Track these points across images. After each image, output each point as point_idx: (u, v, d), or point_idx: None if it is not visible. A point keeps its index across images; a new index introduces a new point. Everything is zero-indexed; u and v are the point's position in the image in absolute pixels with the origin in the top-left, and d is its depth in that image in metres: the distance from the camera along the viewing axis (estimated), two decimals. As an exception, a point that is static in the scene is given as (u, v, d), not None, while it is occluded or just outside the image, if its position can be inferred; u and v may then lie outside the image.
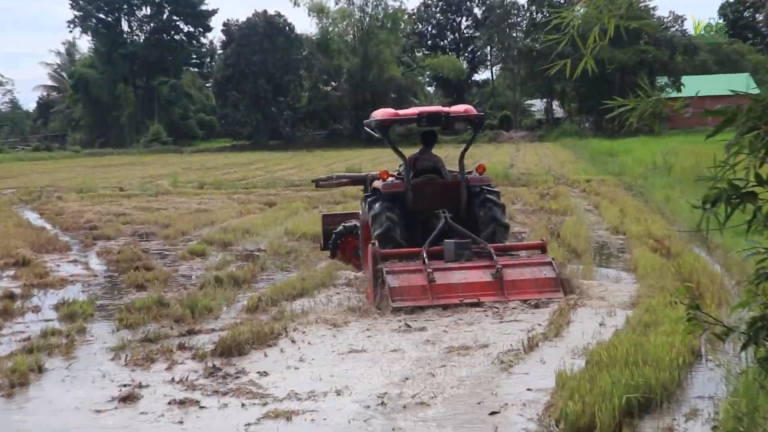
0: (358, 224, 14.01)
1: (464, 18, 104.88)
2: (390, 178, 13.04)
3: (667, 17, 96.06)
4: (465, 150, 13.24)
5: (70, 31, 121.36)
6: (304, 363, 8.77)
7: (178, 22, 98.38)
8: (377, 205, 12.37)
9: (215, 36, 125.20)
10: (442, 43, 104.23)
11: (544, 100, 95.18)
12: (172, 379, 8.20)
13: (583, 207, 22.60)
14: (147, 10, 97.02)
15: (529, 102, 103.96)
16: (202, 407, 7.48)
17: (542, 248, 12.28)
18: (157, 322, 10.47)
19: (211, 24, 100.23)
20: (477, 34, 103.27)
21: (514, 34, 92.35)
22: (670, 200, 20.60)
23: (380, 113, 13.47)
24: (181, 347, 9.28)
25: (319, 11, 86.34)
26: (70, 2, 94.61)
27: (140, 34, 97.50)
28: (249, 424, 7.01)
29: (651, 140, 52.31)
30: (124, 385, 8.05)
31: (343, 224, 14.43)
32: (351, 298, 11.77)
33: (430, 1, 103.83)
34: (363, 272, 12.93)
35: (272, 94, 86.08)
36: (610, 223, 18.58)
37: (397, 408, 7.29)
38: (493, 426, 6.78)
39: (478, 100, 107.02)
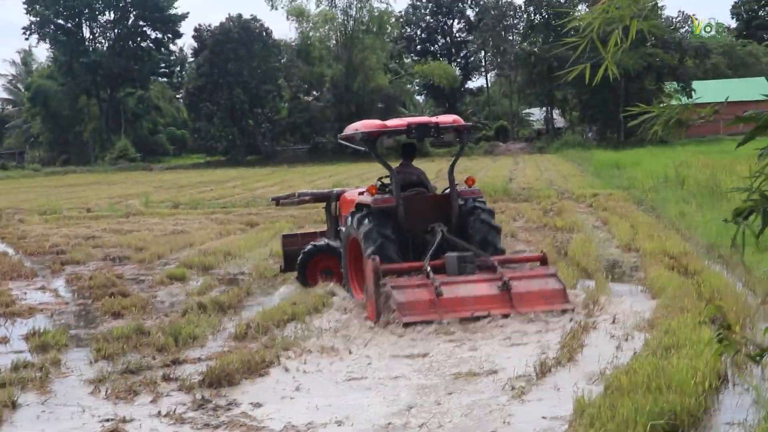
0: (330, 243, 14.59)
1: (456, 21, 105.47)
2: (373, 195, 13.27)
3: (676, 17, 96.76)
4: (454, 162, 13.72)
5: (26, 39, 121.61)
6: (299, 392, 8.87)
7: (144, 28, 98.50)
8: (367, 221, 12.67)
9: (185, 43, 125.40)
10: (432, 48, 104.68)
11: (544, 108, 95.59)
12: (159, 412, 8.28)
13: (590, 223, 22.77)
14: (110, 15, 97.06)
15: (527, 111, 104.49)
16: (192, 442, 7.57)
17: (543, 260, 12.84)
18: (138, 352, 10.53)
19: (181, 30, 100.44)
20: (470, 38, 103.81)
21: (511, 38, 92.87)
22: (685, 215, 20.80)
23: (364, 124, 13.89)
24: (166, 378, 9.34)
25: (298, 15, 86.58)
26: (26, 7, 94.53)
27: (103, 41, 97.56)
28: (245, 459, 7.10)
29: (660, 151, 52.74)
30: (107, 420, 8.12)
31: (312, 243, 14.84)
32: (346, 322, 11.85)
33: (418, 3, 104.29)
34: (349, 293, 13.39)
35: (249, 105, 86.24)
36: (621, 240, 18.73)
37: (403, 439, 7.41)
38: (509, 457, 6.90)
39: (471, 109, 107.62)
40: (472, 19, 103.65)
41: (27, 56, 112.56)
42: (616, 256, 17.42)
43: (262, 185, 47.00)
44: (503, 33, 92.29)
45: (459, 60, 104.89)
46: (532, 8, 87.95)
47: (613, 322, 11.03)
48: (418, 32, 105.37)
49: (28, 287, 16.29)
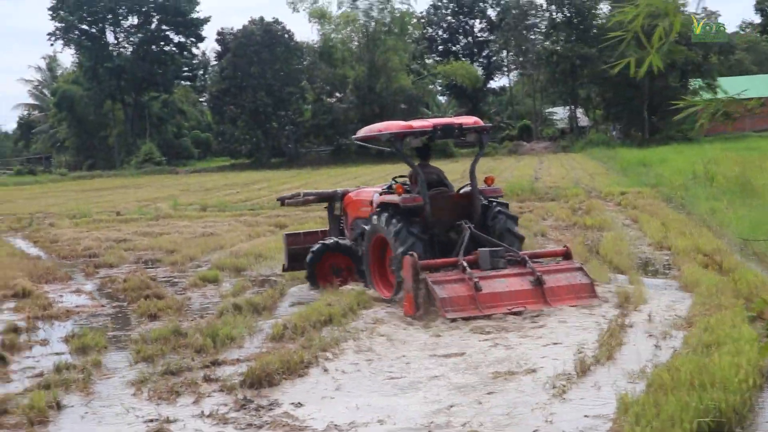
0: (338, 240, 15.04)
1: (477, 20, 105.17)
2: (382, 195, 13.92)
3: (700, 14, 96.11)
4: (475, 162, 14.13)
5: (51, 45, 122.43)
6: (340, 392, 8.91)
7: (167, 32, 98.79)
8: (395, 220, 13.04)
9: (208, 46, 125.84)
10: (454, 48, 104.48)
11: (567, 107, 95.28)
12: (201, 413, 8.34)
13: (620, 221, 22.73)
14: (134, 20, 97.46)
15: (550, 110, 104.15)
16: (237, 442, 7.62)
17: (567, 255, 13.23)
18: (177, 354, 10.61)
19: (204, 33, 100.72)
20: (492, 37, 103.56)
21: (533, 37, 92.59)
22: (715, 212, 20.70)
23: (388, 126, 14.33)
24: (207, 379, 9.41)
25: (320, 17, 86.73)
26: (50, 13, 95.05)
27: (127, 46, 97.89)
28: (290, 458, 7.14)
29: (686, 148, 52.57)
30: (151, 420, 8.18)
31: (321, 242, 15.15)
32: (382, 323, 11.88)
33: (440, 3, 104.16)
34: (371, 290, 13.69)
35: (272, 107, 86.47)
36: (653, 238, 18.69)
37: (446, 437, 7.43)
38: (554, 454, 6.91)
39: (494, 109, 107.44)
40: (493, 18, 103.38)
41: (52, 62, 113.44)
42: (648, 254, 17.39)
43: (288, 187, 47.06)
44: (525, 32, 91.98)
45: (481, 60, 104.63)
46: (554, 6, 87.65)
47: (650, 320, 11.02)
48: (440, 32, 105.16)
49: (64, 290, 16.45)
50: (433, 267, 12.52)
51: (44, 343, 11.87)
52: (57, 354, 11.02)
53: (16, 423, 8.17)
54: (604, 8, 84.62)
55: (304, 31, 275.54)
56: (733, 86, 65.24)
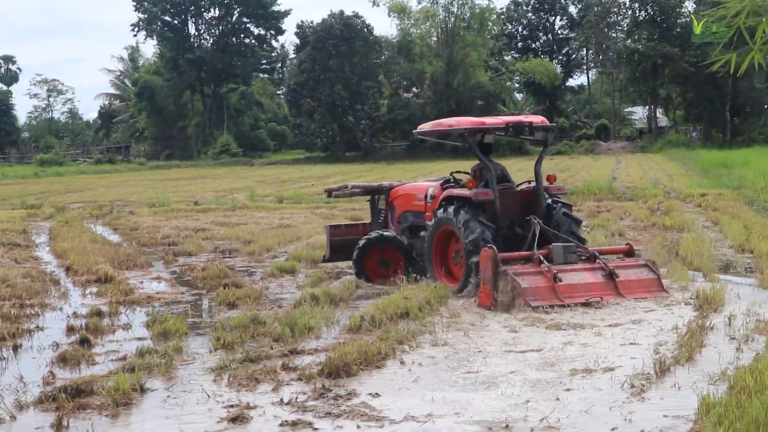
0: (384, 234, 15.46)
1: (558, 17, 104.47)
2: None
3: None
4: (540, 160, 14.60)
5: (134, 35, 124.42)
6: (416, 384, 8.98)
7: (248, 25, 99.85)
8: (464, 211, 13.54)
9: (287, 39, 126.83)
10: (533, 45, 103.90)
11: (647, 107, 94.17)
12: (281, 400, 8.46)
13: (700, 223, 22.46)
14: (215, 12, 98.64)
15: (629, 109, 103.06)
16: (315, 429, 7.73)
17: (630, 252, 13.95)
18: (256, 342, 10.77)
19: (284, 26, 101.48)
20: (572, 35, 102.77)
21: (614, 35, 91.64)
22: (800, 216, 20.37)
23: (459, 121, 14.70)
24: (286, 367, 9.55)
25: (400, 11, 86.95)
26: (134, 4, 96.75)
27: (208, 37, 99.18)
28: (368, 447, 7.23)
29: (769, 150, 51.56)
30: (231, 406, 8.33)
31: (369, 235, 15.58)
32: (459, 317, 11.95)
33: (520, 0, 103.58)
34: (432, 278, 14.13)
35: (349, 101, 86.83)
36: (734, 241, 18.45)
37: (524, 431, 7.45)
38: (633, 453, 6.90)
39: (572, 107, 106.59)
40: (574, 15, 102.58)
41: (134, 52, 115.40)
42: (729, 257, 17.17)
43: (363, 181, 47.31)
44: (606, 30, 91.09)
45: (560, 57, 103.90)
46: (636, 4, 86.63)
47: (730, 323, 10.92)
48: (520, 29, 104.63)
49: (144, 277, 16.77)
50: (509, 260, 12.96)
51: (126, 327, 12.11)
52: (139, 339, 11.26)
53: (102, 404, 8.38)
54: (688, 6, 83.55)
55: (383, 26, 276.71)
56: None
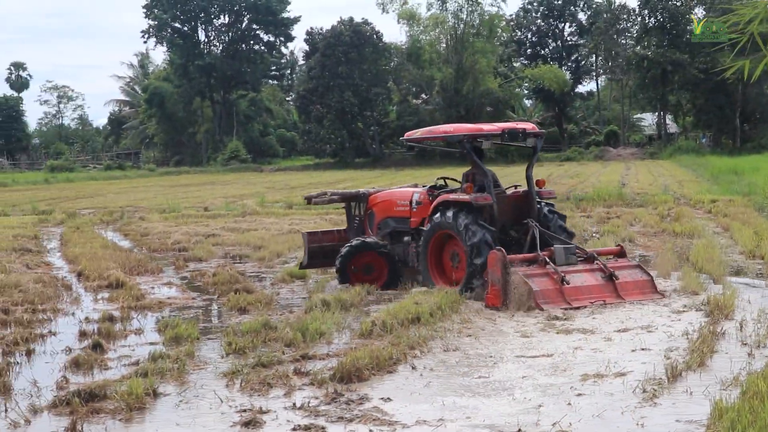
0: (367, 240, 15.72)
1: (567, 24, 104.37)
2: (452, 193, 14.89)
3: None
4: (532, 165, 14.99)
5: (144, 42, 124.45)
6: (428, 389, 9.00)
7: (257, 31, 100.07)
8: (463, 216, 13.94)
9: (296, 46, 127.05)
10: (542, 51, 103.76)
11: (656, 113, 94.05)
12: (293, 404, 8.49)
13: (710, 229, 22.44)
14: (225, 19, 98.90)
15: (638, 116, 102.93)
16: (328, 434, 7.76)
17: (621, 254, 14.38)
18: (268, 347, 10.80)
19: (293, 33, 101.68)
20: (581, 41, 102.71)
21: (623, 41, 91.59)
22: (811, 222, 20.34)
23: (456, 128, 15.15)
24: (298, 372, 9.58)
25: (409, 18, 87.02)
26: (145, 11, 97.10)
27: (218, 44, 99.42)
28: (381, 451, 7.25)
29: (780, 157, 51.44)
30: (244, 411, 8.36)
31: (356, 240, 15.83)
32: (471, 321, 11.98)
33: (530, 6, 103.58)
34: (429, 283, 14.53)
35: (358, 108, 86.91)
36: (745, 247, 18.43)
37: (536, 436, 7.48)
38: (645, 457, 6.91)
39: (581, 113, 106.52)
40: (583, 22, 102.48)
41: (144, 59, 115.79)
42: (740, 263, 17.15)
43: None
44: (616, 36, 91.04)
45: (570, 64, 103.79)
46: (646, 11, 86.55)
47: (741, 328, 10.92)
48: (529, 36, 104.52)
49: (155, 282, 16.83)
50: (512, 262, 13.26)
51: (138, 332, 12.15)
52: (151, 343, 11.31)
53: (115, 408, 8.41)
54: (698, 13, 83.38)
55: (393, 32, 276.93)
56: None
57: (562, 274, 12.99)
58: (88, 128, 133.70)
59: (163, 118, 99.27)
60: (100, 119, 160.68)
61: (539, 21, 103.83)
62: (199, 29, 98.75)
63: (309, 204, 18.10)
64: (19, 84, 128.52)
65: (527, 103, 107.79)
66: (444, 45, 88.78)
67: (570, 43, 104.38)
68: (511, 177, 18.81)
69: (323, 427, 7.88)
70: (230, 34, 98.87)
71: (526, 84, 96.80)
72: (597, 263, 13.63)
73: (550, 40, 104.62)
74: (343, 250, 15.69)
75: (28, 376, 9.74)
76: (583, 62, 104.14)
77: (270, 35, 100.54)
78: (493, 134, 14.72)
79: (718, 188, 35.88)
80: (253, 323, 11.82)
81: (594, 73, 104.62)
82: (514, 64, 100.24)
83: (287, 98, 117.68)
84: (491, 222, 14.06)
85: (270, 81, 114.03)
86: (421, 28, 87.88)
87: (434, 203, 14.73)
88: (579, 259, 13.75)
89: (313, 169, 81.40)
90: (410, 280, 15.39)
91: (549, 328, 11.66)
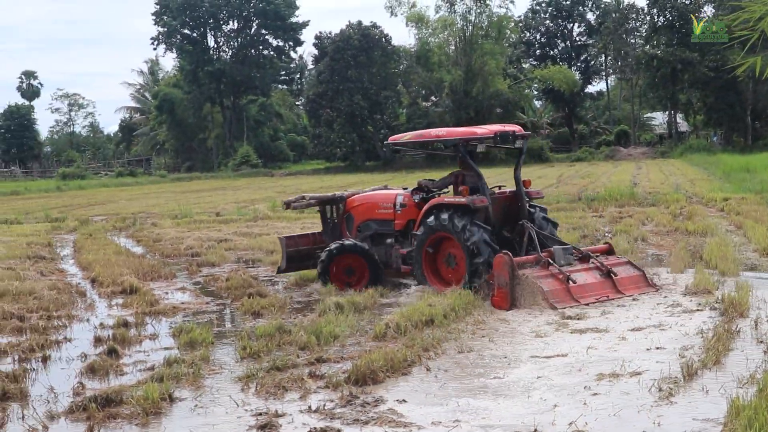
0: (356, 243, 15.89)
1: (576, 24, 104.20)
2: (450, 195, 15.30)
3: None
4: (519, 166, 15.23)
5: (154, 49, 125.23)
6: (443, 391, 9.01)
7: (266, 36, 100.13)
8: (458, 218, 14.21)
9: (305, 50, 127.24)
10: (552, 52, 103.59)
11: (666, 112, 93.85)
12: (309, 407, 8.51)
13: (723, 227, 22.36)
14: (234, 24, 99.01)
15: (649, 115, 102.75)
16: (344, 436, 7.77)
17: (610, 251, 14.74)
18: (282, 350, 10.83)
19: (302, 37, 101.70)
20: (591, 41, 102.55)
21: (632, 41, 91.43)
22: (824, 219, 20.25)
23: (449, 132, 15.43)
24: (312, 375, 9.60)
25: (417, 21, 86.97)
26: (154, 18, 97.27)
27: (227, 50, 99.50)
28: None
29: (791, 154, 51.25)
30: (260, 414, 8.38)
31: (338, 243, 16.00)
32: (484, 323, 11.99)
33: (538, 7, 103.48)
34: (424, 283, 14.85)
35: (368, 111, 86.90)
36: (759, 244, 18.36)
37: (552, 436, 7.48)
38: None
39: (591, 113, 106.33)
40: (592, 22, 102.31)
41: (154, 66, 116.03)
42: (753, 260, 17.09)
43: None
44: (625, 36, 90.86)
45: (579, 64, 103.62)
46: (655, 10, 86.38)
47: (756, 326, 10.90)
48: (538, 36, 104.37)
49: (169, 287, 16.86)
50: (526, 263, 13.63)
51: (153, 337, 12.19)
52: (166, 348, 11.34)
53: (132, 413, 8.45)
54: (707, 11, 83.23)
55: (402, 35, 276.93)
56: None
57: (568, 274, 13.30)
58: (99, 135, 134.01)
59: (174, 124, 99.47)
60: (111, 126, 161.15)
61: (548, 22, 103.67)
62: (209, 35, 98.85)
63: (288, 209, 18.17)
64: (31, 93, 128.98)
65: (537, 104, 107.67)
66: (453, 47, 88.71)
67: (579, 43, 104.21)
68: (493, 179, 18.84)
69: (339, 430, 7.89)
70: (239, 39, 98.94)
71: (536, 85, 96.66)
72: (593, 262, 13.99)
73: (559, 41, 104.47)
74: (323, 253, 15.95)
75: (44, 382, 9.78)
76: (592, 62, 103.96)
77: (279, 40, 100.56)
78: (486, 137, 14.90)
79: (730, 186, 35.76)
80: (267, 327, 11.86)
81: (603, 73, 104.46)
82: (524, 66, 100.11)
83: (297, 103, 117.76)
84: (486, 223, 14.33)
85: (280, 86, 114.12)
86: (430, 30, 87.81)
87: (426, 206, 14.98)
88: (575, 258, 14.05)
89: (324, 173, 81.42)
90: (391, 283, 15.75)
91: (563, 328, 11.67)
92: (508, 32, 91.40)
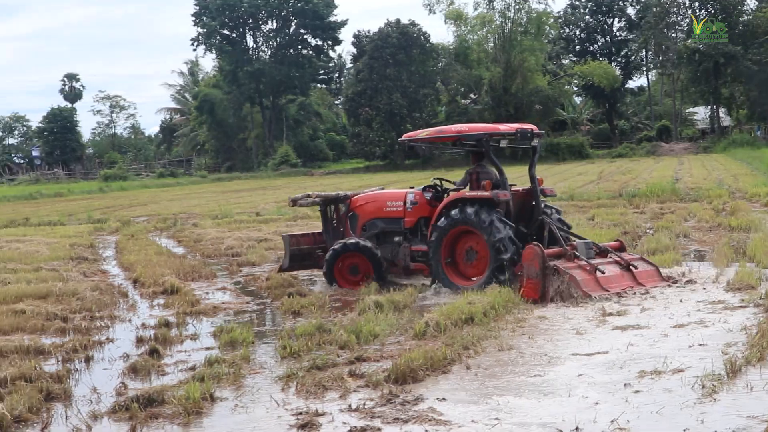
0: (360, 241, 16.10)
1: (616, 19, 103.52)
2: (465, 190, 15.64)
3: None
4: (533, 164, 15.64)
5: (194, 50, 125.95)
6: (483, 389, 8.98)
7: (305, 36, 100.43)
8: (485, 213, 14.51)
9: (344, 49, 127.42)
10: (591, 48, 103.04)
11: (709, 107, 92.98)
12: (349, 406, 8.51)
13: (767, 223, 22.11)
14: (273, 24, 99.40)
15: (690, 110, 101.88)
16: (384, 434, 7.77)
17: (621, 248, 15.14)
18: (322, 349, 10.86)
19: (341, 36, 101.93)
20: (631, 36, 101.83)
21: (674, 35, 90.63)
22: None
23: (471, 128, 15.68)
24: (353, 374, 9.61)
25: (456, 18, 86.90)
26: (194, 19, 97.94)
27: (266, 50, 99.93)
28: (438, 452, 7.25)
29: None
30: (300, 413, 8.39)
31: (344, 241, 16.30)
32: (525, 320, 11.96)
33: (577, 3, 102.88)
34: (441, 280, 15.07)
35: (407, 109, 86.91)
36: (803, 240, 18.15)
37: (594, 434, 7.43)
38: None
39: (632, 109, 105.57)
40: (633, 17, 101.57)
41: (194, 66, 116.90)
42: (798, 256, 16.87)
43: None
44: (666, 30, 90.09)
45: (619, 59, 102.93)
46: (697, 3, 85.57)
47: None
48: (578, 32, 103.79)
49: (210, 287, 16.96)
50: (556, 255, 14.09)
51: (194, 337, 12.24)
52: (207, 348, 11.38)
53: (173, 413, 8.50)
54: (751, 4, 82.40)
55: (440, 33, 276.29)
56: None
57: (596, 265, 13.81)
58: (140, 137, 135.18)
59: (214, 124, 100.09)
60: (152, 128, 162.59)
61: (587, 17, 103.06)
62: (248, 35, 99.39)
63: (294, 206, 18.25)
64: (73, 95, 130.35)
65: (577, 100, 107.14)
66: (492, 44, 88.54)
67: (619, 38, 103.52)
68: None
69: (379, 429, 7.88)
70: (278, 39, 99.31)
71: (576, 81, 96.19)
72: (611, 256, 14.50)
73: (599, 36, 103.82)
74: (329, 253, 16.20)
75: (87, 382, 9.86)
76: (633, 57, 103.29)
77: (318, 39, 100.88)
78: (509, 134, 15.26)
79: (775, 181, 35.40)
80: (307, 326, 11.89)
81: (644, 68, 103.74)
82: (563, 62, 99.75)
83: (336, 102, 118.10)
84: (506, 217, 14.63)
85: (318, 85, 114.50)
86: (469, 27, 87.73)
87: (447, 200, 15.24)
88: (594, 253, 14.55)
89: (363, 172, 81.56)
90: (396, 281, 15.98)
91: (603, 325, 11.61)
92: (548, 28, 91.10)
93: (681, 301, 12.95)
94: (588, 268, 13.77)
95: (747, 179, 38.50)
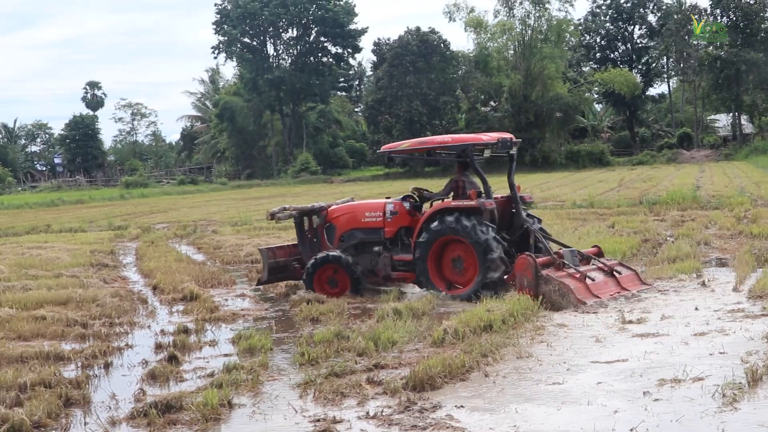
0: (339, 254, 16.17)
1: (637, 27, 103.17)
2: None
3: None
4: (512, 171, 15.98)
5: (215, 58, 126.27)
6: (501, 397, 8.94)
7: (325, 44, 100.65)
8: (465, 218, 14.79)
9: (364, 57, 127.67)
10: (612, 55, 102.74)
11: (731, 114, 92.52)
12: (367, 414, 8.50)
13: (789, 230, 21.97)
14: (293, 32, 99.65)
15: (712, 117, 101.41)
16: (402, 442, 7.75)
17: (599, 254, 15.56)
18: (340, 356, 10.84)
19: (361, 44, 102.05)
20: (652, 43, 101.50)
21: (695, 42, 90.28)
22: None
23: (454, 138, 16.08)
24: (371, 381, 9.58)
25: (476, 26, 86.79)
26: (214, 27, 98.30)
27: (286, 57, 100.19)
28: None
29: None
30: (317, 420, 8.39)
31: (326, 253, 16.40)
32: (543, 329, 11.91)
33: (598, 10, 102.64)
34: (431, 288, 15.14)
35: (427, 117, 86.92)
36: (825, 248, 18.04)
37: (613, 443, 7.40)
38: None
39: (653, 116, 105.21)
40: (653, 24, 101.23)
41: (215, 74, 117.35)
42: (821, 265, 16.77)
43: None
44: (687, 37, 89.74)
45: (640, 66, 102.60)
46: (718, 11, 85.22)
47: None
48: (598, 39, 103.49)
49: (229, 294, 17.00)
50: (546, 264, 14.29)
51: (213, 344, 12.26)
52: (225, 355, 11.39)
53: (191, 419, 8.51)
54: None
55: (460, 41, 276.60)
56: None
57: (585, 273, 14.12)
58: (161, 144, 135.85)
59: (234, 132, 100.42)
60: (172, 135, 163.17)
61: (608, 24, 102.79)
62: (268, 43, 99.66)
63: (272, 220, 18.32)
64: (95, 103, 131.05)
65: (597, 107, 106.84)
66: (512, 51, 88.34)
67: (640, 45, 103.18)
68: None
69: (397, 436, 7.88)
70: (299, 47, 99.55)
71: (596, 88, 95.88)
72: (593, 263, 14.83)
73: (619, 44, 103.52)
74: (309, 264, 16.36)
75: (106, 388, 9.89)
76: (653, 64, 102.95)
77: (338, 47, 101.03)
78: (491, 143, 15.47)
79: (797, 189, 35.18)
80: (325, 333, 11.89)
81: (665, 75, 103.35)
82: (584, 69, 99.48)
83: (356, 109, 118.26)
84: (492, 224, 14.94)
85: (338, 92, 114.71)
86: (489, 35, 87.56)
87: (429, 212, 15.46)
88: (578, 260, 14.77)
89: (383, 179, 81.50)
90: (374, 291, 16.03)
91: (623, 332, 11.56)
92: (568, 35, 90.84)
93: (701, 309, 12.88)
94: (578, 276, 14.01)
95: (769, 187, 38.28)
